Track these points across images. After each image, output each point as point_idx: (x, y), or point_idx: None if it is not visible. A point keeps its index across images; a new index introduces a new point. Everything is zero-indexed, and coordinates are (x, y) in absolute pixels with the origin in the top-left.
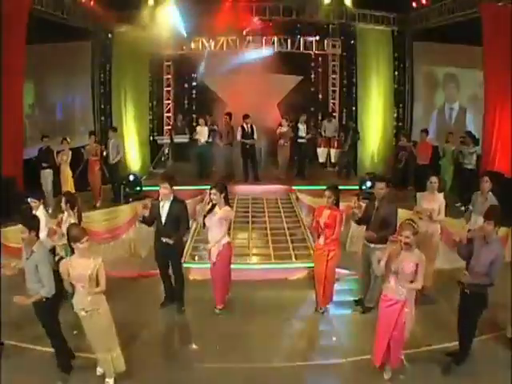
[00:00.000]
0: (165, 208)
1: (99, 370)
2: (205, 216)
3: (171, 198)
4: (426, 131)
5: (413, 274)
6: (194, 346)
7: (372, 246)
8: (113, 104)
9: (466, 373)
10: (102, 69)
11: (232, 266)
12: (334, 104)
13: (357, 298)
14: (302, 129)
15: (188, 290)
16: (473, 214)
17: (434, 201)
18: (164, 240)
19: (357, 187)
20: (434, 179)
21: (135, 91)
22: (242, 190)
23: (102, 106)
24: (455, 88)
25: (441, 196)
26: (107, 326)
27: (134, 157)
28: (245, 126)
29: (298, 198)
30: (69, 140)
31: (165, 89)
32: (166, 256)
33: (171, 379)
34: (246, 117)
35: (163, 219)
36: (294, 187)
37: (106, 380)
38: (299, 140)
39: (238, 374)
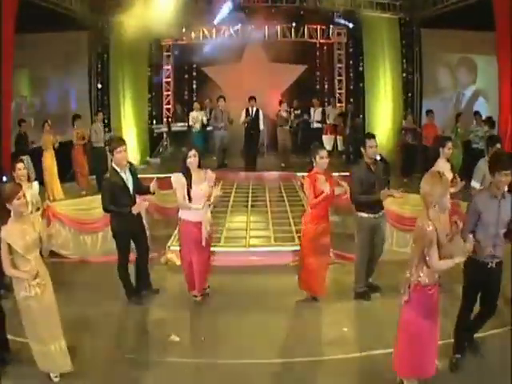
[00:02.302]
0: (128, 176)
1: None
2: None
3: (128, 165)
4: (432, 112)
5: None
6: (175, 339)
7: (380, 214)
8: (110, 95)
9: (475, 369)
10: (100, 59)
11: (225, 250)
12: (340, 94)
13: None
14: (313, 112)
15: (171, 275)
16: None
17: (448, 170)
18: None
19: None
20: (449, 144)
21: (134, 82)
22: (241, 177)
23: (100, 98)
24: (466, 74)
25: (449, 165)
26: (55, 304)
27: (132, 148)
28: (249, 108)
29: (302, 185)
30: (50, 123)
31: (164, 79)
32: (131, 233)
33: (143, 376)
34: (251, 99)
35: (131, 189)
36: (297, 174)
37: (52, 376)
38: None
39: (228, 371)
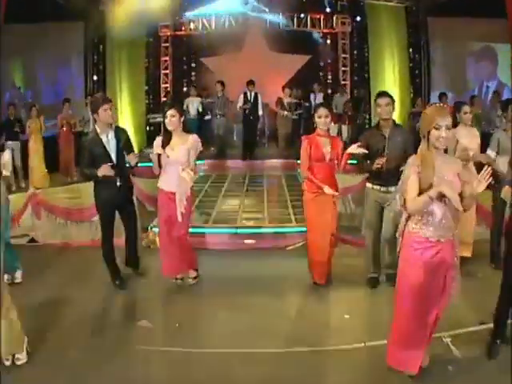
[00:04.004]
0: (110, 139)
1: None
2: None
3: (113, 126)
4: (445, 95)
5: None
6: (147, 325)
7: (390, 189)
8: (107, 87)
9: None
10: (96, 50)
11: (215, 231)
12: (345, 85)
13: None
14: (313, 98)
15: (154, 258)
16: (499, 157)
17: (472, 137)
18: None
19: None
20: (466, 108)
21: (131, 74)
22: (239, 165)
23: (96, 89)
24: (485, 64)
25: (477, 132)
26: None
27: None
28: (248, 93)
29: None
30: (37, 107)
31: (162, 71)
32: (115, 205)
33: (108, 364)
34: (250, 83)
35: (113, 154)
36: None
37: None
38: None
39: (204, 361)
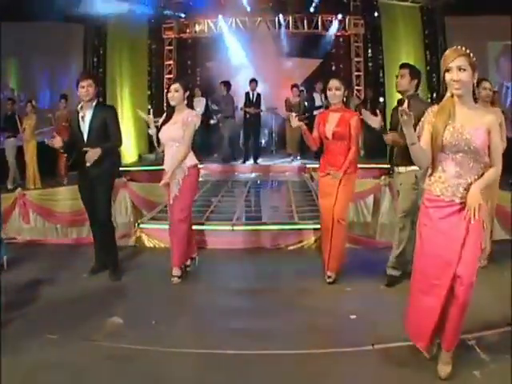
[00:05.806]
0: (86, 118)
1: None
2: (159, 129)
3: (94, 104)
4: None
5: (484, 149)
6: (117, 320)
7: (399, 169)
8: (107, 92)
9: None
10: (96, 53)
11: (205, 228)
12: (358, 91)
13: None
14: (318, 98)
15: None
16: None
17: (497, 112)
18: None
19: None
20: (486, 84)
21: (132, 78)
22: (242, 170)
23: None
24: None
25: (498, 111)
26: None
27: (130, 147)
28: (250, 92)
29: (312, 178)
30: (34, 103)
31: (166, 76)
32: (91, 192)
33: (69, 360)
34: (252, 81)
35: (85, 134)
36: (308, 166)
37: None
38: (315, 112)
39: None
